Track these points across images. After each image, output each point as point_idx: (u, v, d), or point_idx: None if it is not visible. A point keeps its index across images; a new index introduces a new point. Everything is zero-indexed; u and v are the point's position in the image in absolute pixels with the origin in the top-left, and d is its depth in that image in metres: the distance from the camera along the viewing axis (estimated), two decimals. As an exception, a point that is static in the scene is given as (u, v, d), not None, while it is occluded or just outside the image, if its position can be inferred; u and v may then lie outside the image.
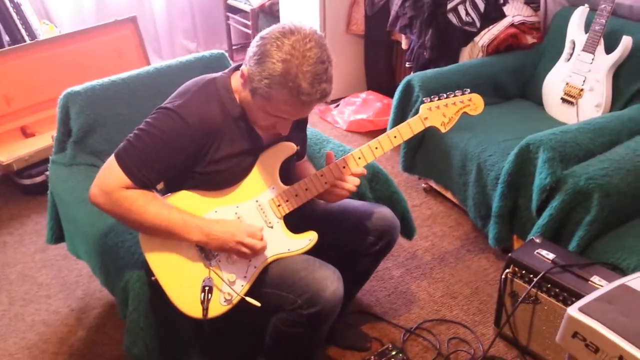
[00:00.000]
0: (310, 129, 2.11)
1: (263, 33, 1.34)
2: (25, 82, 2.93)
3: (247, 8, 4.26)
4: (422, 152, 2.66)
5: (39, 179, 2.85)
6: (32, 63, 2.94)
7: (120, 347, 1.96)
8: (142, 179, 1.40)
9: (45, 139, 2.92)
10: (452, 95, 1.63)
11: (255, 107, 1.40)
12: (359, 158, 1.57)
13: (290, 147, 1.56)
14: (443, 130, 1.64)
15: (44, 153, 2.82)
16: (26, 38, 3.17)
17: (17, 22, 3.17)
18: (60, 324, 2.09)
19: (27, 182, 2.84)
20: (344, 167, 1.56)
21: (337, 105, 3.70)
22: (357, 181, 1.57)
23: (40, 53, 2.97)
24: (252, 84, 1.35)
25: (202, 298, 1.44)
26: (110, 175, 1.40)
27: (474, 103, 1.65)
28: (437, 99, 1.61)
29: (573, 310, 1.27)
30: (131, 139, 1.41)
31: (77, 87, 1.99)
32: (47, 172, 2.78)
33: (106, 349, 1.98)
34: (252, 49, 1.35)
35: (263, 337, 1.64)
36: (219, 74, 1.51)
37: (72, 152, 2.00)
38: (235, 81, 1.47)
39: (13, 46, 2.99)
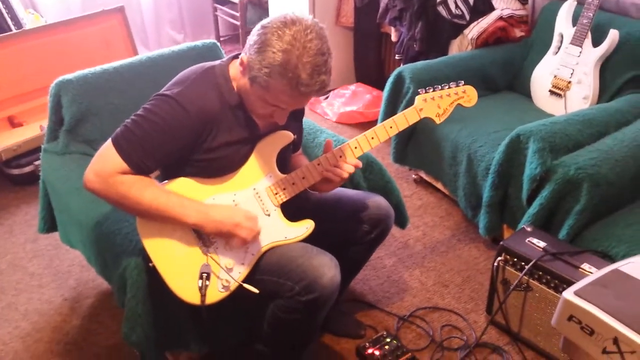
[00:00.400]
0: (304, 120, 2.12)
1: (264, 22, 1.35)
2: (11, 72, 2.90)
3: (236, -1, 4.25)
4: (413, 144, 2.69)
5: (27, 169, 2.82)
6: (19, 52, 2.91)
7: (115, 335, 1.97)
8: (139, 164, 1.40)
9: (33, 129, 2.89)
10: (447, 87, 1.65)
11: (254, 96, 1.41)
12: (355, 148, 1.59)
13: (288, 136, 1.57)
14: (438, 121, 1.66)
15: (33, 143, 2.80)
16: (12, 27, 3.13)
17: (3, 11, 3.12)
18: (53, 313, 2.09)
19: (16, 172, 2.81)
20: (340, 157, 1.57)
21: (327, 97, 3.71)
22: (351, 169, 1.57)
23: (27, 42, 2.94)
24: (252, 72, 1.35)
25: (200, 285, 1.45)
26: (107, 160, 1.39)
27: (468, 95, 1.68)
28: (432, 90, 1.63)
29: (569, 294, 1.30)
30: (129, 125, 1.41)
31: (69, 76, 1.97)
32: (36, 162, 2.78)
33: (101, 338, 1.98)
34: (253, 37, 1.35)
35: (261, 324, 1.65)
36: (217, 62, 1.51)
37: (64, 140, 1.98)
38: (234, 70, 1.47)
39: (-1, 35, 2.95)
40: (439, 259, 2.35)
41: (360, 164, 1.59)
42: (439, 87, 1.64)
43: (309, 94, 1.36)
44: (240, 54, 1.44)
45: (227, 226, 1.44)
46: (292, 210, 1.59)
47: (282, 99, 1.37)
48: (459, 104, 1.67)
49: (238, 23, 4.32)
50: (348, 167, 1.57)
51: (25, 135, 2.84)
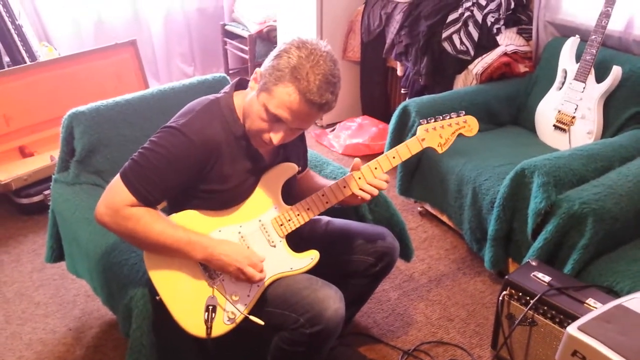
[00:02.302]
0: (311, 151, 2.15)
1: (286, 40, 1.41)
2: (24, 103, 2.97)
3: (245, 34, 4.34)
4: (418, 176, 2.71)
5: (36, 199, 2.85)
6: (32, 84, 2.98)
7: (118, 366, 1.97)
8: (146, 196, 1.43)
9: (43, 159, 2.94)
10: (448, 117, 1.67)
11: (257, 107, 1.42)
12: (359, 178, 1.60)
13: (292, 168, 1.60)
14: (440, 151, 1.67)
15: (43, 173, 2.84)
16: (26, 59, 3.21)
17: (18, 43, 3.21)
18: (57, 343, 2.09)
19: (25, 201, 2.84)
20: (344, 187, 1.59)
21: (333, 130, 3.75)
22: (383, 185, 1.60)
23: (40, 74, 3.01)
24: (263, 80, 1.39)
25: (206, 317, 1.45)
26: (116, 193, 1.42)
27: (469, 124, 1.69)
28: (433, 120, 1.66)
29: (572, 329, 1.30)
30: (136, 158, 1.44)
31: (82, 108, 2.01)
32: (46, 192, 2.82)
33: (104, 369, 1.98)
34: (272, 53, 1.41)
35: (264, 358, 1.64)
36: (221, 93, 1.55)
37: (75, 171, 2.01)
38: (238, 100, 1.51)
39: (13, 67, 3.02)
40: (444, 292, 2.34)
41: (387, 178, 1.61)
42: (441, 117, 1.66)
43: (312, 107, 1.37)
44: (242, 79, 1.50)
45: (230, 268, 1.46)
46: (297, 241, 1.61)
47: (285, 106, 1.37)
48: (460, 134, 1.69)
49: (247, 57, 4.41)
50: (379, 183, 1.59)
51: (36, 165, 2.88)
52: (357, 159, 1.61)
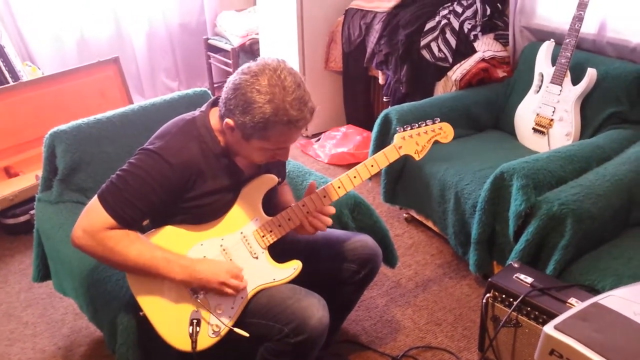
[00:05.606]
0: (293, 162, 2.17)
1: (234, 81, 1.41)
2: (9, 123, 2.96)
3: (228, 47, 4.37)
4: (402, 183, 2.73)
5: (22, 219, 2.85)
6: (16, 104, 2.98)
7: (107, 384, 1.97)
8: (126, 218, 1.43)
9: (29, 179, 2.93)
10: (424, 124, 1.70)
11: (253, 149, 1.47)
12: (339, 187, 1.63)
13: (272, 179, 1.61)
14: (417, 158, 1.71)
15: (28, 193, 2.83)
16: (9, 79, 3.21)
17: (1, 64, 3.21)
18: (46, 362, 2.09)
19: (11, 221, 2.84)
20: (324, 197, 1.61)
21: (318, 139, 3.78)
22: (328, 221, 1.64)
23: (23, 94, 3.01)
24: (246, 132, 1.41)
25: (190, 331, 1.47)
26: (94, 216, 1.42)
27: (445, 131, 1.73)
28: (409, 128, 1.69)
29: (549, 328, 1.32)
30: (114, 180, 1.45)
31: (63, 126, 2.02)
32: (32, 212, 2.81)
33: (93, 387, 1.98)
34: (231, 100, 1.40)
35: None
36: (197, 112, 1.55)
37: (58, 190, 2.02)
38: (214, 119, 1.52)
39: (-4, 88, 3.02)
40: (431, 297, 2.36)
41: (333, 210, 1.65)
42: (417, 125, 1.69)
43: (304, 124, 1.44)
44: (218, 97, 1.49)
45: (213, 284, 1.47)
46: (280, 251, 1.62)
47: (282, 140, 1.45)
48: (436, 141, 1.72)
49: (231, 70, 4.43)
50: (324, 219, 1.63)
51: (22, 185, 2.87)
52: (312, 181, 1.66)
